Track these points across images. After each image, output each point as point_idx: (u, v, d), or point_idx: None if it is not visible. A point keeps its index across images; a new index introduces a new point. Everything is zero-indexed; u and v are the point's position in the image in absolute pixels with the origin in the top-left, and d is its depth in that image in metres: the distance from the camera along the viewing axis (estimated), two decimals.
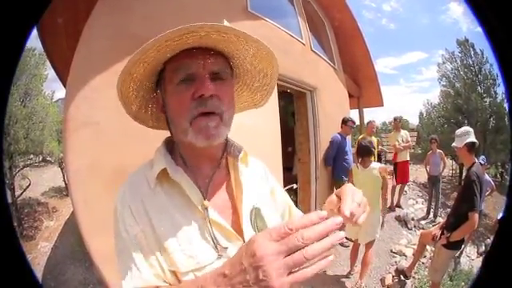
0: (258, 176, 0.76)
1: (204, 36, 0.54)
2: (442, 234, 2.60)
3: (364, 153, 3.02)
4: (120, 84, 0.60)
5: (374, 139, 5.05)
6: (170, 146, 0.68)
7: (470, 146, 2.52)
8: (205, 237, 0.59)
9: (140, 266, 0.56)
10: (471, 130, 2.59)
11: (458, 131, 2.64)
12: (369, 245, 3.07)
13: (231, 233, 0.61)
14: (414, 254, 3.58)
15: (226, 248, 0.59)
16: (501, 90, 9.13)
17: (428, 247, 3.54)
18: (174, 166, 0.62)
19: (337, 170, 4.35)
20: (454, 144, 2.62)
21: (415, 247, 3.85)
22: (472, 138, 2.52)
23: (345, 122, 4.35)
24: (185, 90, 0.58)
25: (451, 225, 2.55)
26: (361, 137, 4.31)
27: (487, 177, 4.18)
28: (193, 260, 0.57)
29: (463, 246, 3.73)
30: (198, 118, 0.58)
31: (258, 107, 0.78)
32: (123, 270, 0.58)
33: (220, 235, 0.60)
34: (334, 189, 4.46)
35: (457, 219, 2.49)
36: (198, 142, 0.59)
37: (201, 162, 0.66)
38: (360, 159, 3.05)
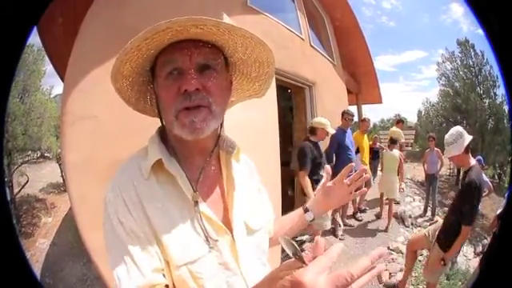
0: (247, 173, 0.76)
1: (181, 30, 0.53)
2: (439, 238, 2.48)
3: (392, 141, 4.79)
4: (113, 81, 0.60)
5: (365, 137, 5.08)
6: (163, 134, 0.67)
7: (469, 147, 2.27)
8: (196, 229, 0.58)
9: (138, 261, 0.53)
10: (461, 128, 2.36)
11: (451, 136, 2.28)
12: (391, 201, 4.69)
13: (220, 226, 0.61)
14: (405, 265, 3.14)
15: (217, 241, 0.59)
16: (500, 91, 9.21)
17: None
18: (169, 157, 0.61)
19: (342, 165, 4.26)
20: (451, 154, 2.30)
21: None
22: (467, 137, 2.25)
23: (342, 114, 4.28)
24: (171, 84, 0.58)
25: (445, 234, 2.42)
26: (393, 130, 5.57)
27: (485, 177, 4.12)
28: (187, 253, 0.56)
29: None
30: (183, 112, 0.57)
31: (258, 97, 0.77)
32: (119, 267, 0.53)
33: (210, 228, 0.59)
34: None
35: (450, 227, 2.36)
36: (183, 135, 0.58)
37: (191, 154, 0.65)
38: (390, 145, 4.82)
